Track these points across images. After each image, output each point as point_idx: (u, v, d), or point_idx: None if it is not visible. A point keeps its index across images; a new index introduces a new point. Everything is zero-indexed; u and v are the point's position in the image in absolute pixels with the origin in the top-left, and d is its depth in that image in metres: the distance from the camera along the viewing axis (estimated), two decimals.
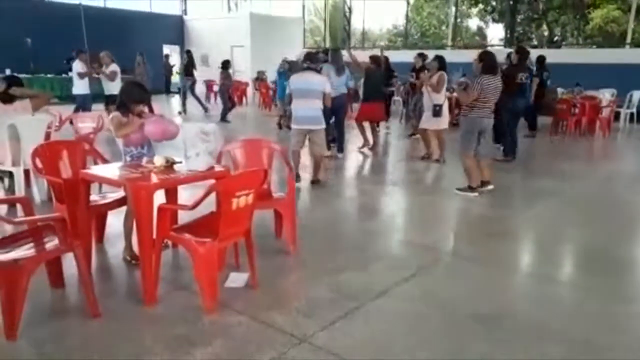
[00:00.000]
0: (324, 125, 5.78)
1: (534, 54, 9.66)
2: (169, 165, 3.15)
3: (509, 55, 10.29)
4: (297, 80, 5.65)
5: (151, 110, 3.57)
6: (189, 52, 14.43)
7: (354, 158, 8.10)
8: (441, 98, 7.27)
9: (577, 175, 7.03)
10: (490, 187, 5.70)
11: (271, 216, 3.94)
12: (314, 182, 5.91)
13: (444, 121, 7.37)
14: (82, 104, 9.56)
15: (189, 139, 3.05)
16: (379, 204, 5.59)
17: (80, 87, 9.60)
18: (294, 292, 3.23)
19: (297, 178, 5.65)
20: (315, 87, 5.55)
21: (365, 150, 8.39)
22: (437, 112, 7.21)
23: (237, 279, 3.16)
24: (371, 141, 8.45)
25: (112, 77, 9.50)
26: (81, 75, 9.66)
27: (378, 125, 9.03)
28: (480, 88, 5.28)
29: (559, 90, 12.26)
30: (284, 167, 4.15)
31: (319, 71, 6.04)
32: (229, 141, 4.03)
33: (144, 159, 3.26)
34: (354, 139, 8.90)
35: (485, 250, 4.01)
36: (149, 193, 2.83)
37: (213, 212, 2.96)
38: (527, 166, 7.43)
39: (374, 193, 5.96)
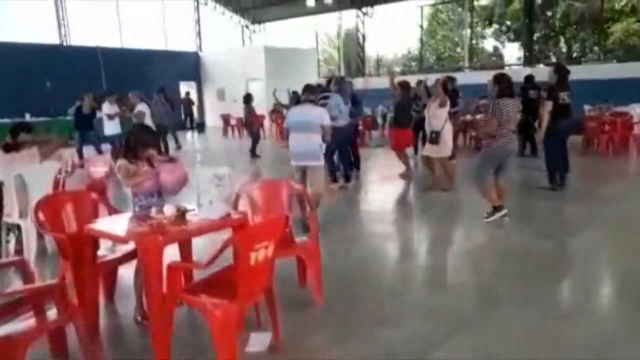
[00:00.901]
0: (321, 162, 5.30)
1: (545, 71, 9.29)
2: (181, 214, 2.86)
3: (528, 78, 9.91)
4: (294, 113, 5.36)
5: (166, 150, 3.32)
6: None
7: (369, 188, 7.78)
8: (439, 124, 6.87)
9: (618, 198, 6.56)
10: (506, 210, 5.30)
11: (293, 262, 3.59)
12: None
13: (443, 149, 6.94)
14: (116, 144, 9.66)
15: (202, 185, 2.76)
16: (403, 239, 5.21)
17: (112, 128, 9.73)
18: (325, 352, 2.86)
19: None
20: (313, 120, 5.11)
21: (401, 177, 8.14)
22: (433, 139, 6.91)
23: (258, 341, 2.80)
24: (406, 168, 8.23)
25: (140, 117, 9.52)
26: (110, 117, 9.73)
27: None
28: (500, 113, 4.98)
29: (586, 107, 11.79)
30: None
31: (317, 103, 5.74)
32: (247, 182, 3.73)
33: (153, 210, 2.97)
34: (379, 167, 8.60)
35: (533, 291, 3.58)
36: (158, 249, 2.53)
37: (230, 265, 2.64)
38: (562, 190, 6.95)
39: (395, 227, 5.59)
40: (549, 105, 6.40)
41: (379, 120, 15.67)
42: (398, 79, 9.33)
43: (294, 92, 10.85)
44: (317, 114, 5.19)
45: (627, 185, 7.54)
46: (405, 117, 8.20)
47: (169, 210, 2.85)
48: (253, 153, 11.59)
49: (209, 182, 2.74)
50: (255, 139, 11.88)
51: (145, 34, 20.86)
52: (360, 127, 14.72)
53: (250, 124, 12.26)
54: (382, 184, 8.14)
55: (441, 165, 7.08)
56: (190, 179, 3.09)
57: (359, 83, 20.26)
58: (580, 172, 8.50)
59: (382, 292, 3.61)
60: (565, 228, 5.33)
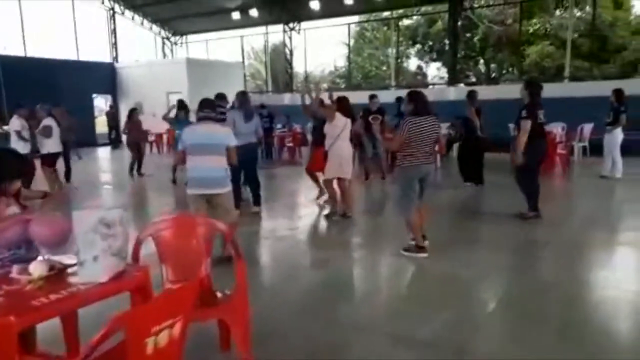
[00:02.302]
0: (228, 187, 4.52)
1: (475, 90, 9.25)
2: (55, 273, 2.08)
3: (398, 99, 9.64)
4: (193, 133, 4.46)
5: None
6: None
7: (289, 214, 7.20)
8: (327, 144, 6.56)
9: (570, 219, 6.44)
10: (427, 242, 4.89)
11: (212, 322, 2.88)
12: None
13: (328, 170, 6.59)
14: None
15: (82, 237, 2.00)
16: (329, 275, 4.61)
17: (21, 147, 7.97)
18: None
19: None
20: (216, 141, 4.39)
21: (321, 201, 7.52)
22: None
23: None
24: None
25: (45, 132, 8.33)
26: (19, 134, 8.41)
27: None
28: (407, 130, 4.61)
29: (511, 126, 11.99)
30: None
31: (219, 120, 4.97)
32: (151, 222, 2.95)
33: (14, 269, 2.14)
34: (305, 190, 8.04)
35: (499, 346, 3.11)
36: (8, 337, 1.73)
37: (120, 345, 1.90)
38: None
39: (323, 260, 5.01)
40: (527, 125, 5.85)
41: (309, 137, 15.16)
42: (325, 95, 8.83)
43: (180, 101, 9.73)
44: (222, 134, 4.48)
45: (566, 206, 7.50)
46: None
47: (37, 269, 2.06)
48: (138, 171, 10.97)
49: (93, 231, 1.99)
50: (139, 155, 11.13)
51: (54, 43, 19.12)
52: (291, 144, 14.29)
53: (134, 138, 11.31)
54: (294, 208, 7.56)
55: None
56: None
57: (287, 98, 19.80)
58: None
59: (320, 348, 2.99)
60: (514, 253, 5.01)
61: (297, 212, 7.46)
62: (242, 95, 7.06)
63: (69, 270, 2.15)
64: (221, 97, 8.21)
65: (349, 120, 6.55)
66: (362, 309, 3.75)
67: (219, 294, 2.80)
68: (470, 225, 6.25)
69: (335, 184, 6.64)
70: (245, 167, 6.42)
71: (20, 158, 2.55)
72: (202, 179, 4.36)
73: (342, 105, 6.78)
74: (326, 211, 6.84)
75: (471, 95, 8.84)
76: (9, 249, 2.31)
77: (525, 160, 5.92)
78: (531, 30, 21.61)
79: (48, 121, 8.44)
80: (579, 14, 20.24)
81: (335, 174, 6.55)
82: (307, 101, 7.62)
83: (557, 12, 22.24)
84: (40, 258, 2.28)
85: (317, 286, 4.25)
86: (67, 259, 2.20)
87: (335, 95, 7.34)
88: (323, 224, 6.57)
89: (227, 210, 4.45)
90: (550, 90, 15.06)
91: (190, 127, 4.64)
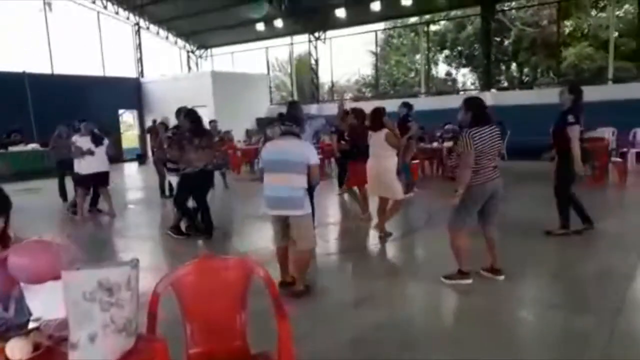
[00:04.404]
0: (307, 210, 4.08)
1: (504, 96, 8.52)
2: (44, 352, 1.54)
3: (405, 104, 8.87)
4: (271, 150, 4.13)
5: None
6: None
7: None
8: None
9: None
10: (501, 277, 4.30)
11: None
12: (294, 294, 4.10)
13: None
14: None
15: (73, 308, 1.45)
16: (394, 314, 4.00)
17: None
18: None
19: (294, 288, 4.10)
20: (295, 158, 3.99)
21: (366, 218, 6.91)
22: None
23: None
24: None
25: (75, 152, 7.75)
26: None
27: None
28: (472, 144, 3.96)
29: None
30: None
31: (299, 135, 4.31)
32: (174, 269, 2.37)
33: None
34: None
35: None
36: None
37: None
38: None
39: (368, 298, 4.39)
40: (576, 130, 5.28)
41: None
42: (351, 105, 8.36)
43: (161, 124, 9.45)
44: (301, 151, 4.03)
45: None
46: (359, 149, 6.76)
47: (16, 348, 1.51)
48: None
49: (89, 299, 1.44)
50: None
51: (81, 59, 19.10)
52: (320, 157, 13.70)
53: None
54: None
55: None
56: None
57: (313, 109, 19.30)
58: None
59: None
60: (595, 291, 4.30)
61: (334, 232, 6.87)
62: (292, 106, 6.32)
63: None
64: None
65: (382, 133, 5.74)
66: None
67: (257, 354, 2.22)
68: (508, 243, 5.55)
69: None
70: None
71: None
72: (274, 199, 4.04)
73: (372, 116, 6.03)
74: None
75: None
76: None
77: (567, 171, 5.41)
78: (567, 32, 20.66)
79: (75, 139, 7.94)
80: (618, 12, 19.25)
81: (371, 190, 6.09)
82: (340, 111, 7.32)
83: (594, 12, 21.29)
84: (32, 324, 1.76)
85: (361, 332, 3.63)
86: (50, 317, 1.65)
87: (349, 105, 6.88)
88: (367, 247, 5.97)
89: (303, 236, 4.05)
90: (592, 93, 14.25)
91: (269, 144, 4.25)
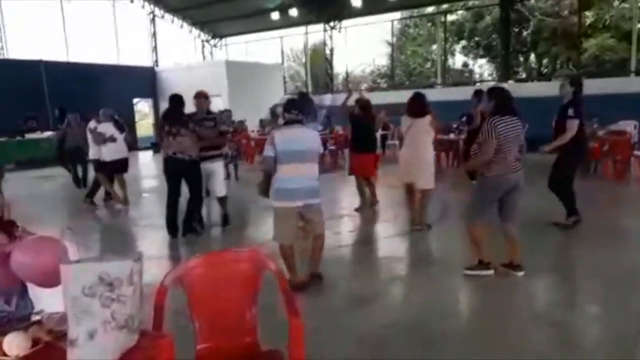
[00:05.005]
0: (321, 199, 4.10)
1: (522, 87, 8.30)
2: (44, 347, 1.47)
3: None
4: (285, 139, 3.93)
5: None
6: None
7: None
8: None
9: None
10: (521, 273, 4.17)
11: None
12: (314, 276, 4.18)
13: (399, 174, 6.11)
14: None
15: (72, 303, 1.37)
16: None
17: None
18: None
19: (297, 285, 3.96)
20: (312, 147, 3.98)
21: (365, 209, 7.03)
22: None
23: None
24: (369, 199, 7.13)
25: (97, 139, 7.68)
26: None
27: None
28: (496, 134, 3.81)
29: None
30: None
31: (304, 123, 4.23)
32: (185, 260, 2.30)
33: None
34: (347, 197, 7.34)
35: None
36: None
37: None
38: (585, 228, 5.72)
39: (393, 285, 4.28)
40: (575, 125, 5.24)
41: None
42: (367, 95, 8.29)
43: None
44: (317, 139, 4.06)
45: None
46: (362, 140, 6.92)
47: (14, 344, 1.44)
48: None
49: (89, 294, 1.36)
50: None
51: (96, 48, 19.14)
52: (333, 147, 13.59)
53: None
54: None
55: None
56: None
57: (327, 99, 19.14)
58: (596, 203, 7.46)
59: None
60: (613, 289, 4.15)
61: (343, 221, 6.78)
62: (303, 97, 6.30)
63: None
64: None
65: (425, 119, 5.68)
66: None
67: (267, 351, 2.13)
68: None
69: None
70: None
71: None
72: (296, 191, 3.91)
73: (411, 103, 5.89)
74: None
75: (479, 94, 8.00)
76: None
77: (568, 163, 5.50)
78: (588, 22, 20.15)
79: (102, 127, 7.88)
80: None
81: (402, 178, 5.98)
82: (350, 102, 7.29)
83: (616, 3, 20.72)
84: (36, 316, 1.70)
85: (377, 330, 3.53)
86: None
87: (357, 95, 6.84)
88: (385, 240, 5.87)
89: (318, 223, 4.09)
90: (614, 85, 13.99)
91: (280, 131, 4.07)
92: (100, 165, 7.82)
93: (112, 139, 7.55)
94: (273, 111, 12.72)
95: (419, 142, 5.70)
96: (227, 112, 10.91)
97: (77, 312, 1.36)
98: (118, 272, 1.40)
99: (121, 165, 7.83)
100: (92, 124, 7.91)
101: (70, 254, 1.55)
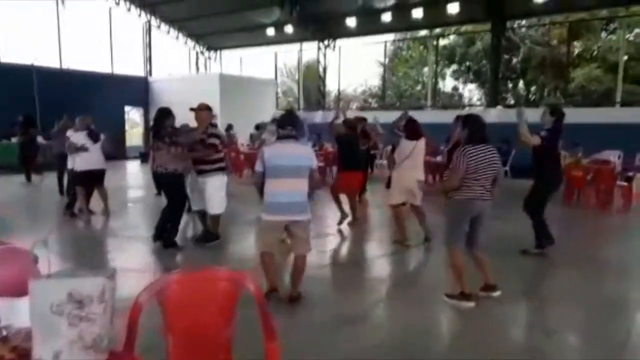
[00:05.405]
0: (309, 215, 4.14)
1: (510, 113, 8.45)
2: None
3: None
4: (275, 154, 4.02)
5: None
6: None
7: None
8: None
9: None
10: (497, 293, 4.25)
11: None
12: (293, 299, 4.15)
13: (392, 195, 6.13)
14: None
15: (39, 321, 1.34)
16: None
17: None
18: None
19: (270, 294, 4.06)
20: (302, 163, 4.02)
21: (344, 225, 7.17)
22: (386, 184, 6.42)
23: None
24: (350, 215, 7.28)
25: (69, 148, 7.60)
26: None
27: (360, 197, 7.73)
28: (466, 162, 3.94)
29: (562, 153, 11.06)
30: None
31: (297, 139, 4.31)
32: (158, 278, 2.28)
33: None
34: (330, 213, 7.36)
35: None
36: None
37: None
38: (564, 256, 5.79)
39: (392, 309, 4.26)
40: (537, 139, 5.40)
41: None
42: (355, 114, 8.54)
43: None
44: (307, 154, 4.10)
45: None
46: (350, 159, 7.15)
47: None
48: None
49: (56, 312, 1.34)
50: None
51: (90, 55, 19.10)
52: (321, 164, 13.59)
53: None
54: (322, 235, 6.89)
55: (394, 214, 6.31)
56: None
57: (318, 116, 19.23)
58: (579, 229, 7.54)
59: None
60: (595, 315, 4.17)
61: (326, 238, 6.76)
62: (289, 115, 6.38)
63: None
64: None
65: (422, 141, 6.02)
66: None
67: None
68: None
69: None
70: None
71: None
72: (282, 205, 3.98)
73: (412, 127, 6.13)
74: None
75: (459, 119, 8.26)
76: None
77: (538, 189, 5.60)
78: (577, 52, 20.60)
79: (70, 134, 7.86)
80: (628, 36, 19.21)
81: (394, 199, 6.08)
82: (339, 120, 7.47)
83: (604, 34, 21.23)
84: (2, 331, 1.65)
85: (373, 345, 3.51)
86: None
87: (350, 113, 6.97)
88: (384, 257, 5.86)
89: (305, 241, 4.14)
90: (599, 115, 14.24)
91: (271, 146, 4.18)
92: (72, 175, 7.78)
93: (84, 149, 7.43)
94: (258, 125, 12.90)
95: (418, 164, 5.99)
96: (229, 131, 10.94)
97: (43, 331, 1.33)
98: (89, 290, 1.38)
99: (95, 177, 7.63)
100: (69, 132, 7.80)
101: (41, 268, 1.53)
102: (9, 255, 1.65)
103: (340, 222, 7.20)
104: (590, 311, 4.14)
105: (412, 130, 6.00)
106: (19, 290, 1.54)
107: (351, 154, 7.11)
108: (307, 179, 4.06)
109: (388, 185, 6.37)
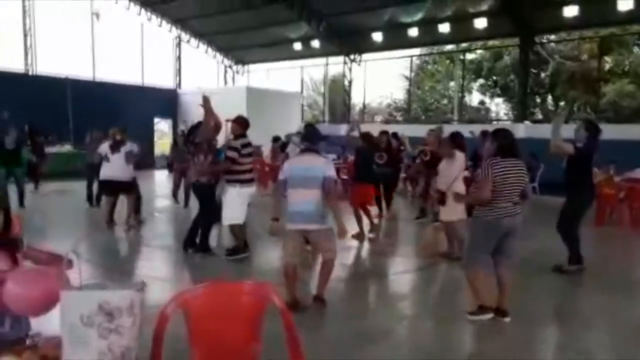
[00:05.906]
0: (327, 225, 4.25)
1: (538, 129, 8.29)
2: None
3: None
4: (295, 166, 4.32)
5: None
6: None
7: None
8: (443, 183, 5.91)
9: None
10: (507, 319, 4.07)
11: None
12: (317, 299, 4.35)
13: (449, 211, 5.88)
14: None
15: (69, 331, 1.38)
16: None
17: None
18: None
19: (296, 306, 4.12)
20: (315, 174, 4.18)
21: (368, 238, 7.21)
22: (438, 199, 6.06)
23: None
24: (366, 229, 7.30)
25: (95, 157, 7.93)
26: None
27: (384, 207, 7.90)
28: (492, 175, 3.83)
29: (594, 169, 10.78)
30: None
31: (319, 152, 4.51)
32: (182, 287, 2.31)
33: None
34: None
35: None
36: None
37: None
38: (594, 277, 5.58)
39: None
40: (571, 148, 5.31)
41: None
42: (382, 128, 8.76)
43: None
44: (320, 165, 4.25)
45: None
46: (363, 172, 7.34)
47: None
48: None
49: (87, 323, 1.37)
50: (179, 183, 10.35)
51: (122, 68, 19.65)
52: (345, 177, 13.55)
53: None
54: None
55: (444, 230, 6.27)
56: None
57: (343, 129, 19.27)
58: (610, 249, 7.33)
59: None
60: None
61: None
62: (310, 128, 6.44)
63: None
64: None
65: (463, 155, 6.05)
66: None
67: None
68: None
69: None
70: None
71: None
72: (296, 214, 4.22)
73: (458, 142, 6.13)
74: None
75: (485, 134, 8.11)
76: None
77: (571, 206, 5.48)
78: (608, 67, 20.18)
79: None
80: None
81: (447, 216, 5.97)
82: (356, 133, 7.82)
83: (636, 49, 20.77)
84: (32, 339, 1.70)
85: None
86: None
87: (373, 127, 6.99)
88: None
89: (325, 249, 4.29)
90: (632, 131, 13.85)
91: (293, 159, 4.59)
92: (98, 183, 8.19)
93: (106, 159, 7.63)
94: (275, 137, 13.53)
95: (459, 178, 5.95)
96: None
97: (73, 341, 1.37)
98: (118, 302, 1.41)
99: (116, 186, 7.67)
100: (105, 143, 8.00)
101: (72, 279, 1.57)
102: (34, 277, 1.67)
103: (356, 236, 7.08)
104: (623, 335, 4.00)
105: (462, 144, 6.06)
106: (37, 311, 1.59)
107: (364, 167, 7.31)
108: (321, 190, 4.16)
109: (442, 201, 5.91)
